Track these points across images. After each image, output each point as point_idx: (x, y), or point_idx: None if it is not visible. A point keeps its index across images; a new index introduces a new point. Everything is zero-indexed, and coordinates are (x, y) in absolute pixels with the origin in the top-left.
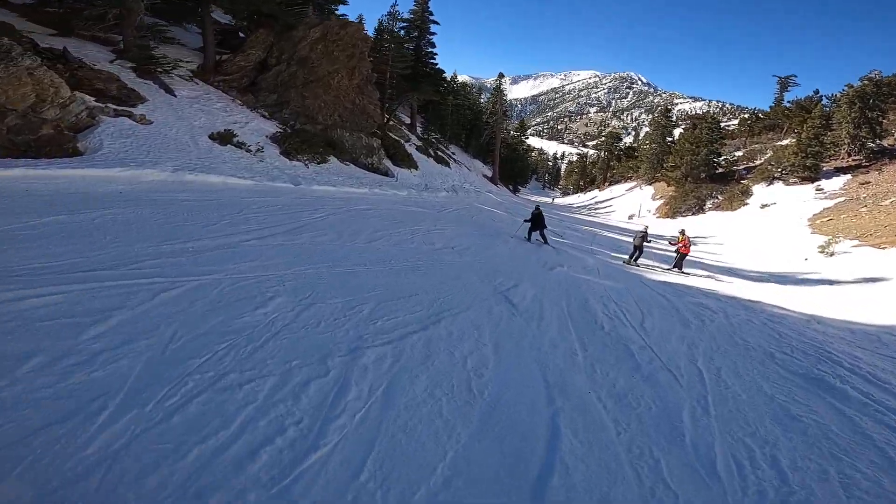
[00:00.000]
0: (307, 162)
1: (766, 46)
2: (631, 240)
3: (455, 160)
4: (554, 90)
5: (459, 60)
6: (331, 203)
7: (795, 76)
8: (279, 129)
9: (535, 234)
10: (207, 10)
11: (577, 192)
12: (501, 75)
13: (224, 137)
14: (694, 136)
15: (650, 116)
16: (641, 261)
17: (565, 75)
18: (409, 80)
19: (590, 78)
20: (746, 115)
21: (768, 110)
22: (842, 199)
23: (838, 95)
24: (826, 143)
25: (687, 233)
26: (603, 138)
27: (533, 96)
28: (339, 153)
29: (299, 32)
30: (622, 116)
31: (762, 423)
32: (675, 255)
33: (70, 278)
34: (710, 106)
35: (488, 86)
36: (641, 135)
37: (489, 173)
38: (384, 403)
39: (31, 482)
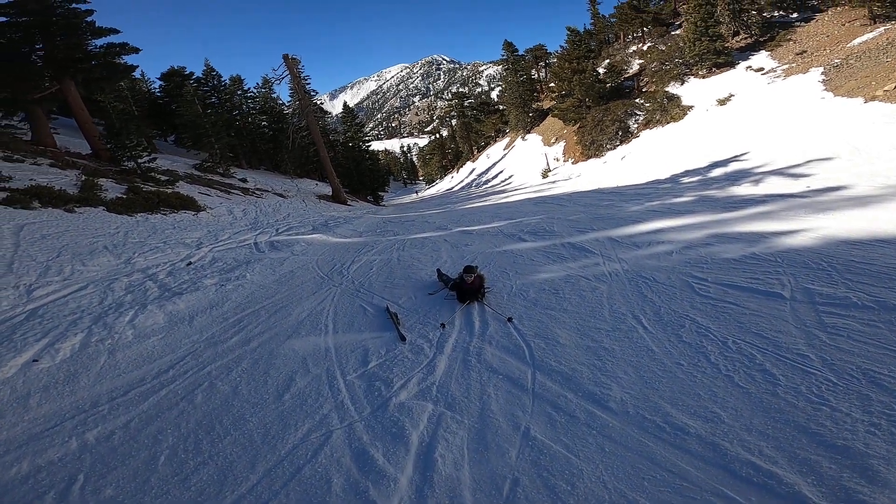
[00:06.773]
0: None
1: None
2: None
3: (250, 191)
4: (373, 92)
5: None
6: None
7: None
8: None
9: None
10: None
11: (447, 176)
12: (286, 56)
13: None
14: (571, 55)
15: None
16: None
17: (378, 75)
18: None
19: (401, 71)
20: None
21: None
22: (821, 67)
23: None
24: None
25: None
26: (446, 104)
27: (357, 104)
28: None
29: None
30: (443, 96)
31: None
32: None
33: None
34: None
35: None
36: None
37: (328, 190)
38: None
39: None
